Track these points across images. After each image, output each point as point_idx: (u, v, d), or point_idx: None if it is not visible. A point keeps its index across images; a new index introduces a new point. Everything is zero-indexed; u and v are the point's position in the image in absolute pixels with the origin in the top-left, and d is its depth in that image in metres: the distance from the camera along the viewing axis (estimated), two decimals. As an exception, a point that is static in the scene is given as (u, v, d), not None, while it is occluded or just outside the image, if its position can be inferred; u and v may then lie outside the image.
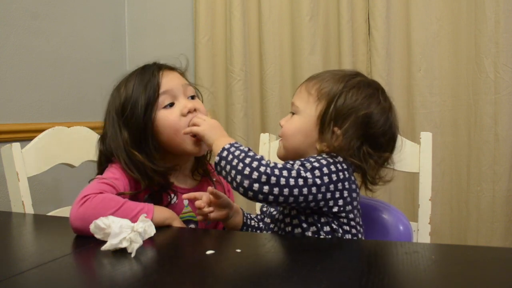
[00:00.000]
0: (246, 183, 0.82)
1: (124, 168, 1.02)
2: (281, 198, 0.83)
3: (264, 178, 0.82)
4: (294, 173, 0.84)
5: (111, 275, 0.68)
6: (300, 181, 0.83)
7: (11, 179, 1.17)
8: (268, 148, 1.34)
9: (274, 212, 1.01)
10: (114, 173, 1.01)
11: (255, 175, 0.82)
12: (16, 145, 1.18)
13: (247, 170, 0.82)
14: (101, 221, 0.77)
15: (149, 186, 1.02)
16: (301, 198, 0.84)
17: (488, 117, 1.66)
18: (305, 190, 0.84)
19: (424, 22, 1.75)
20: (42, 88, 1.72)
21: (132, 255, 0.73)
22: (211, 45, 2.02)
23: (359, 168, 0.95)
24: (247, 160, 0.84)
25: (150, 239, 0.80)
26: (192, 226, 1.11)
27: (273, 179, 0.82)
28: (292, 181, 0.83)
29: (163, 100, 1.03)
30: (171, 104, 1.04)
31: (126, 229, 0.75)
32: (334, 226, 0.91)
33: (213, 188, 1.00)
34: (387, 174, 1.01)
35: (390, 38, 1.80)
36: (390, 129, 0.97)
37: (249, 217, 1.11)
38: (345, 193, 0.90)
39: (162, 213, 0.97)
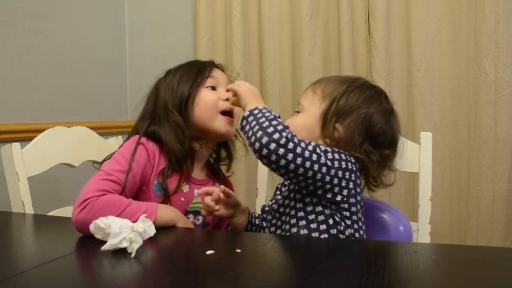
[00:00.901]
0: (264, 139, 0.85)
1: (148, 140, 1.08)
2: (291, 166, 0.85)
3: (283, 140, 0.85)
4: (311, 147, 0.87)
5: (111, 275, 0.68)
6: (314, 156, 0.87)
7: (11, 179, 1.17)
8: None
9: (276, 207, 1.02)
10: (126, 152, 1.04)
11: (276, 135, 0.85)
12: (16, 145, 1.18)
13: (270, 129, 0.86)
14: (101, 221, 0.78)
15: (171, 153, 1.08)
16: (310, 173, 0.87)
17: (488, 117, 1.66)
18: (316, 166, 0.87)
19: (424, 22, 1.75)
20: (42, 88, 1.72)
21: (132, 255, 0.73)
22: (211, 45, 2.02)
23: (362, 168, 0.98)
24: (274, 122, 0.87)
25: (150, 239, 0.80)
26: (200, 218, 1.14)
27: (291, 144, 0.85)
28: (307, 153, 0.86)
29: (209, 81, 1.15)
30: (213, 88, 1.15)
31: (126, 229, 0.75)
32: (337, 219, 0.93)
33: (224, 187, 1.03)
34: (388, 177, 1.03)
35: (390, 38, 1.79)
36: (391, 130, 1.00)
37: (254, 215, 1.13)
38: (351, 184, 0.92)
39: (166, 214, 0.97)
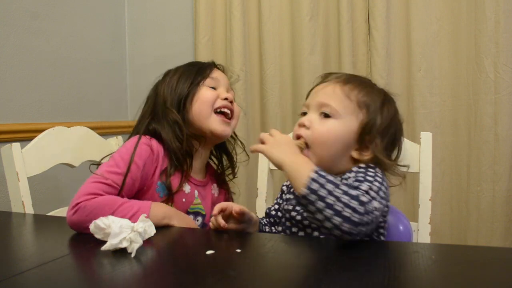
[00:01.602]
0: (346, 226, 0.77)
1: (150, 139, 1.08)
2: (369, 231, 0.82)
3: (363, 220, 0.78)
4: (377, 205, 0.82)
5: (111, 275, 0.68)
6: (379, 212, 0.83)
7: (11, 179, 1.17)
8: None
9: (299, 217, 0.96)
10: (126, 153, 1.02)
11: (356, 217, 0.77)
12: (16, 145, 1.18)
13: (347, 212, 0.77)
14: (101, 221, 0.78)
15: (171, 152, 1.08)
16: (374, 226, 0.84)
17: (488, 117, 1.66)
18: (380, 218, 0.85)
19: (424, 22, 1.75)
20: (42, 88, 1.72)
21: (132, 255, 0.73)
22: (211, 45, 2.02)
23: None
24: (344, 198, 0.77)
25: (150, 239, 0.80)
26: (199, 218, 1.14)
27: (369, 218, 0.79)
28: (377, 214, 0.82)
29: (209, 82, 1.16)
30: (213, 88, 1.16)
31: (126, 229, 0.75)
32: (374, 237, 0.92)
33: (240, 209, 0.95)
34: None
35: (390, 38, 1.79)
36: (402, 142, 1.01)
37: (263, 223, 1.09)
38: (389, 204, 0.91)
39: (159, 211, 0.97)
